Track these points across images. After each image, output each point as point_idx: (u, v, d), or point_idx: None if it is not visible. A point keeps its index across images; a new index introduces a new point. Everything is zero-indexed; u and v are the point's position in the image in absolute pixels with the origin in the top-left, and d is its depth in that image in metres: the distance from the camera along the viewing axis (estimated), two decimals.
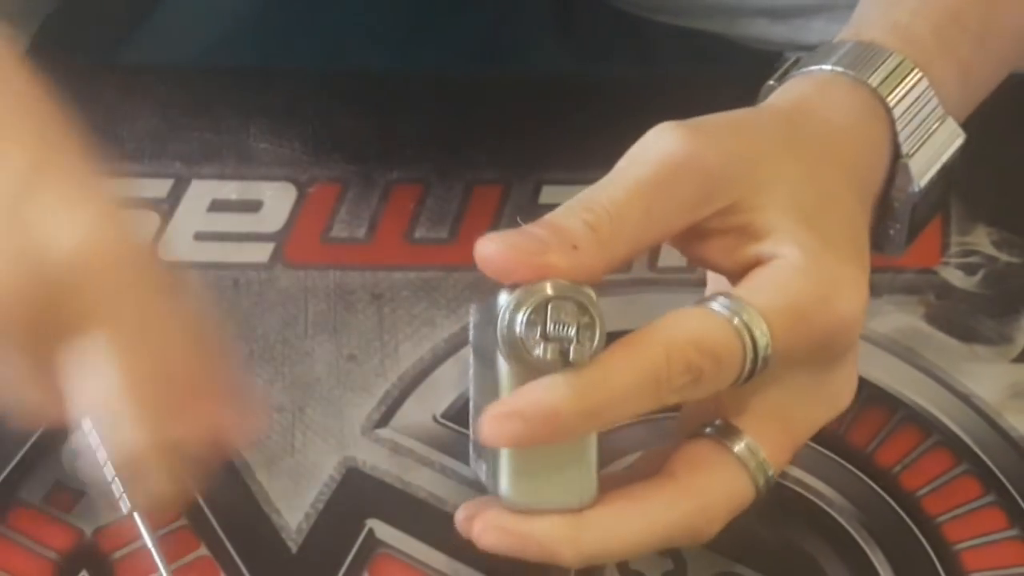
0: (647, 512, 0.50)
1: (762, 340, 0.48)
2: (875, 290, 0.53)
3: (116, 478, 0.59)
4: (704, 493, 0.50)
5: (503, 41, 0.85)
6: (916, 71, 0.55)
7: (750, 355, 0.48)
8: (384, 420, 0.63)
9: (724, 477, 0.51)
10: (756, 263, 0.50)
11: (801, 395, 0.52)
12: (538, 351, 0.46)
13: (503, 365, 0.48)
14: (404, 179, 0.71)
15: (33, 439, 0.61)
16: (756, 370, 0.49)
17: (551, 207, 0.70)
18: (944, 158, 0.56)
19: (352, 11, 0.84)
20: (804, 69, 0.56)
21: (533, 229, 0.48)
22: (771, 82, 0.57)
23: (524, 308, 0.47)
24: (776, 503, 0.59)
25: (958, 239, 0.68)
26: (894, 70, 0.55)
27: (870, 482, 0.60)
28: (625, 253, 0.49)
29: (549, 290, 0.46)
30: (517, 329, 0.46)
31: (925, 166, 0.55)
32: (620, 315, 0.51)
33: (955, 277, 0.67)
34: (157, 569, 0.57)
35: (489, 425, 0.47)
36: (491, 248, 0.47)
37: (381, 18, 0.84)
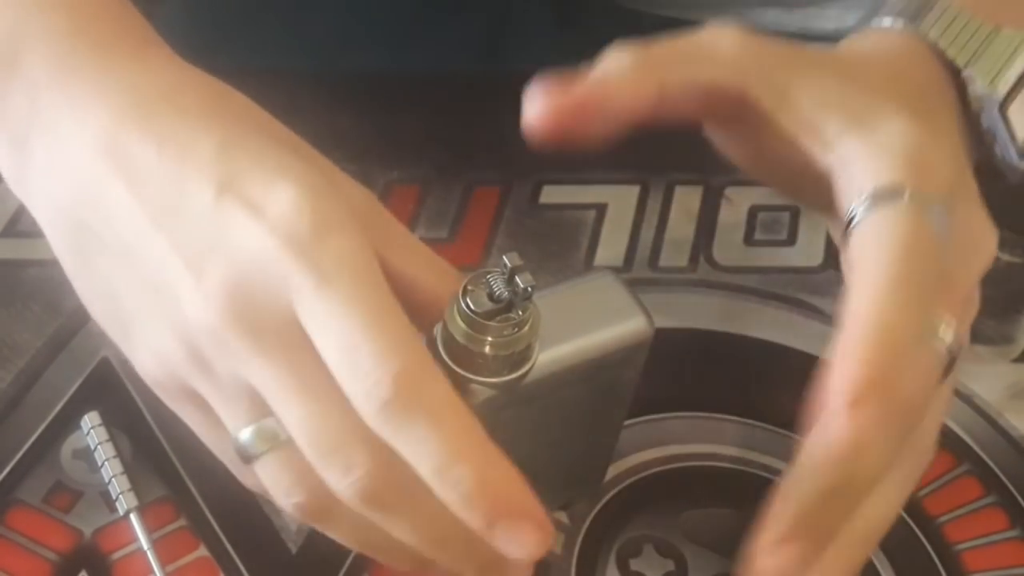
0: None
1: (932, 197, 0.49)
2: None
3: (115, 478, 0.59)
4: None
5: (503, 41, 0.85)
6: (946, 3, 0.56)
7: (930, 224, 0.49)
8: None
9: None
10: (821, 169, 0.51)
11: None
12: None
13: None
14: (404, 179, 0.71)
15: (32, 439, 0.61)
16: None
17: (551, 207, 0.71)
18: (1019, 63, 0.56)
19: (352, 11, 0.84)
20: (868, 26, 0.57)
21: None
22: None
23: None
24: None
25: None
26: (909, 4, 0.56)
27: None
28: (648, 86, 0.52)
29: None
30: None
31: (992, 72, 0.56)
32: None
33: None
34: (155, 570, 0.57)
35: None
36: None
37: (381, 18, 0.84)
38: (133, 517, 0.58)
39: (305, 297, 0.46)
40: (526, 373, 0.48)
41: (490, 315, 0.47)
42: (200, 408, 0.50)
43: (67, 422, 0.62)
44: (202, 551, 0.58)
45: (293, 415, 0.46)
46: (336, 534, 0.49)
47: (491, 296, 0.47)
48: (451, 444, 0.44)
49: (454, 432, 0.44)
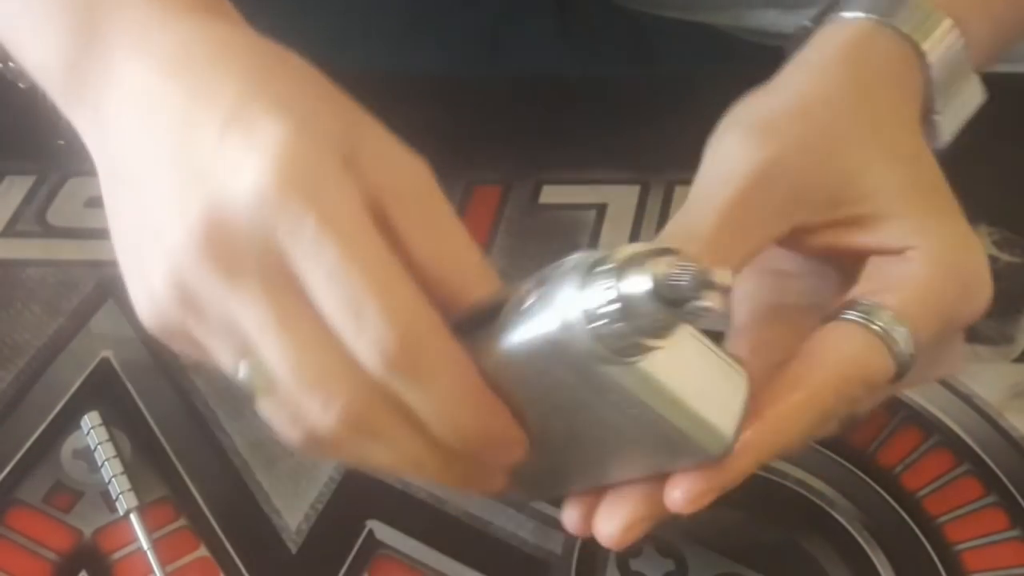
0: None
1: (906, 351, 0.49)
2: None
3: (115, 478, 0.59)
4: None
5: (503, 41, 0.85)
6: (950, 24, 0.55)
7: (895, 368, 0.50)
8: None
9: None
10: (878, 251, 0.51)
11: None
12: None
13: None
14: None
15: (32, 439, 0.61)
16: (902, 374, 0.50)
17: (551, 207, 0.71)
18: (963, 116, 0.56)
19: (352, 10, 0.84)
20: (839, 15, 0.56)
21: None
22: (807, 23, 0.57)
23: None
24: (777, 503, 0.59)
25: None
26: (927, 20, 0.54)
27: (871, 482, 0.60)
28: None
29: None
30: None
31: (951, 123, 0.56)
32: None
33: None
34: (155, 570, 0.57)
35: (684, 502, 0.48)
36: None
37: (381, 18, 0.84)
38: (133, 517, 0.58)
39: (302, 243, 0.44)
40: (606, 369, 0.44)
41: (644, 298, 0.42)
42: (199, 349, 0.50)
43: (67, 422, 0.62)
44: (202, 551, 0.58)
45: (273, 350, 0.46)
46: (339, 460, 0.50)
47: (665, 282, 0.42)
48: (452, 398, 0.46)
49: (455, 388, 0.46)
